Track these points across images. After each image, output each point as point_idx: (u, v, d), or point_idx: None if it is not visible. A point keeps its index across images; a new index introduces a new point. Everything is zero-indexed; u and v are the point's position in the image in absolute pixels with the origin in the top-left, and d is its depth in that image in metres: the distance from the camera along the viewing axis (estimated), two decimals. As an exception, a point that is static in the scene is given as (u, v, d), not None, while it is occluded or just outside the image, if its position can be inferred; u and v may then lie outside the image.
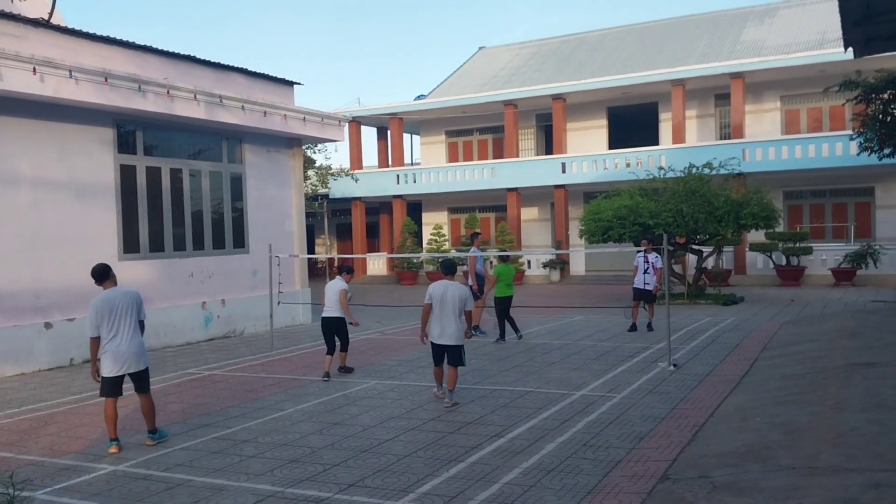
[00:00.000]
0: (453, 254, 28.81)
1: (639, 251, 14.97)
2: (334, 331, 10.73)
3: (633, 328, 14.70)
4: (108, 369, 7.36)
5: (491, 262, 15.80)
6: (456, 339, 8.81)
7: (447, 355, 8.91)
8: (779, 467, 5.68)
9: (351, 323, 10.86)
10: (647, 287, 14.55)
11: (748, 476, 5.59)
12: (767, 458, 5.96)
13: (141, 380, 7.57)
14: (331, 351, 10.80)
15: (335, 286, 10.72)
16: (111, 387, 7.41)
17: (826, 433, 6.37)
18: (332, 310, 10.68)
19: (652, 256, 14.58)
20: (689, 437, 7.13)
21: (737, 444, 6.51)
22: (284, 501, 5.81)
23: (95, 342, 7.34)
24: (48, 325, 12.52)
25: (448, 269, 9.19)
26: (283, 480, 6.30)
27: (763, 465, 5.79)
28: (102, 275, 7.54)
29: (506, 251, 14.74)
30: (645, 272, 14.57)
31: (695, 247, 21.06)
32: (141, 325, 7.55)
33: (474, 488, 5.96)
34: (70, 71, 12.03)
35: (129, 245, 13.99)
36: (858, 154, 19.45)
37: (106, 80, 12.59)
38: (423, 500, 5.75)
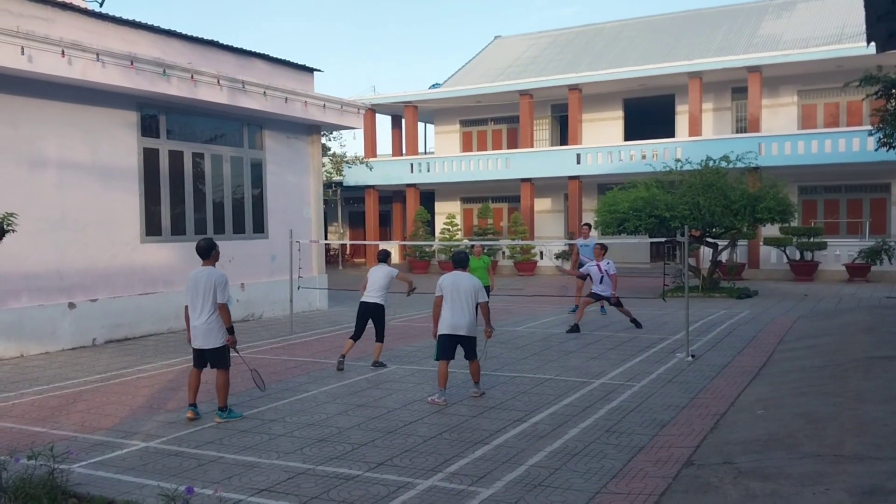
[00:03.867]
0: (466, 243, 28.89)
1: (591, 261, 14.10)
2: (371, 316, 10.39)
3: (576, 329, 13.62)
4: (192, 341, 7.89)
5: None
6: (469, 331, 8.44)
7: (463, 348, 8.53)
8: (803, 455, 5.77)
9: (412, 290, 11.06)
10: (605, 294, 13.81)
11: (773, 463, 5.68)
12: (791, 445, 6.05)
13: (212, 357, 7.86)
14: (356, 337, 10.48)
15: (385, 272, 10.46)
16: (194, 357, 7.97)
17: (849, 423, 6.45)
18: (372, 295, 10.37)
19: (604, 263, 13.77)
20: (711, 425, 7.22)
21: (760, 432, 6.59)
22: (316, 478, 5.94)
23: (185, 311, 7.93)
24: (72, 306, 12.69)
25: (459, 262, 8.74)
26: (313, 458, 6.44)
27: (787, 453, 5.88)
28: (200, 252, 7.97)
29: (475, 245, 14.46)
30: (601, 282, 13.76)
31: (710, 240, 21.08)
32: (222, 307, 7.71)
33: (501, 469, 6.08)
34: (97, 54, 12.16)
35: (151, 228, 14.15)
36: (876, 150, 19.39)
37: (132, 63, 12.71)
38: (451, 479, 5.88)
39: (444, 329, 8.50)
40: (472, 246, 14.34)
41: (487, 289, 12.96)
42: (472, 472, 6.04)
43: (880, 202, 26.87)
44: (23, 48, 11.17)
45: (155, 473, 6.13)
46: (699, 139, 27.07)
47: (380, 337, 10.54)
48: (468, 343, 8.55)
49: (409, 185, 32.90)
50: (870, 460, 5.45)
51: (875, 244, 23.47)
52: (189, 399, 7.95)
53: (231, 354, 8.01)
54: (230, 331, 7.82)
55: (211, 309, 7.70)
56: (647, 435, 6.96)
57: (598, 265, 13.89)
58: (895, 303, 17.25)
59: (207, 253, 7.92)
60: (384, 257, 10.75)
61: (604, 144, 29.30)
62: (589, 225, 16.55)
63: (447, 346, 8.54)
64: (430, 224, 33.56)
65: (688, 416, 7.61)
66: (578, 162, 29.08)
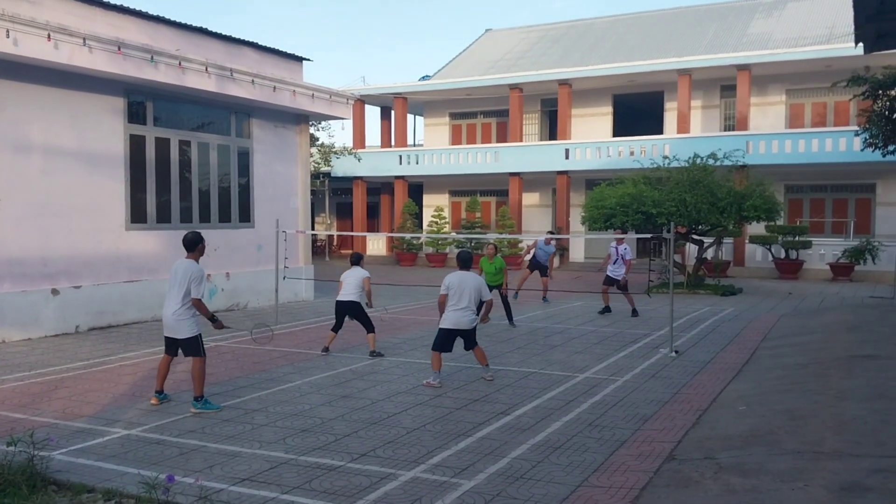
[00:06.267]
0: (453, 236, 28.94)
1: (612, 243, 15.68)
2: (348, 313, 10.70)
3: (607, 310, 15.46)
4: (164, 329, 7.97)
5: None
6: (470, 325, 8.99)
7: (464, 340, 9.04)
8: (783, 451, 5.82)
9: (368, 305, 10.88)
10: (616, 275, 15.18)
11: (753, 458, 5.72)
12: (772, 442, 6.09)
13: (184, 346, 7.85)
14: (336, 329, 10.87)
15: (358, 274, 10.71)
16: (165, 344, 8.00)
17: (829, 420, 6.50)
18: (348, 294, 10.62)
19: (622, 248, 15.19)
20: (692, 420, 7.26)
21: (741, 428, 6.64)
22: (298, 468, 5.93)
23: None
24: (55, 292, 12.59)
25: (464, 262, 9.24)
26: (295, 448, 6.42)
27: (768, 449, 5.92)
28: (186, 244, 7.99)
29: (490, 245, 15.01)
30: (614, 263, 15.21)
31: (695, 237, 21.17)
32: (196, 301, 7.69)
33: (483, 462, 6.09)
34: (84, 39, 12.03)
35: (136, 215, 14.05)
36: (862, 150, 19.52)
37: (119, 49, 12.59)
38: (434, 471, 5.88)
39: (446, 324, 8.95)
40: (486, 246, 14.44)
41: (500, 288, 13.72)
42: (455, 463, 6.05)
43: (865, 202, 27.07)
44: (8, 31, 11.03)
45: (136, 461, 6.10)
46: (687, 136, 27.15)
47: (369, 328, 10.78)
48: (469, 335, 9.05)
49: (397, 177, 32.83)
50: (849, 457, 5.50)
51: (859, 244, 23.73)
52: (157, 385, 8.04)
53: (223, 335, 8.05)
54: (213, 319, 7.89)
55: (182, 301, 7.69)
56: (629, 429, 6.99)
57: (615, 248, 15.25)
58: (878, 302, 17.41)
59: (193, 246, 7.94)
60: (357, 260, 11.06)
61: (592, 140, 29.33)
62: (552, 233, 17.60)
63: (447, 339, 9.00)
64: (418, 216, 33.51)
65: (670, 411, 7.65)
66: (567, 157, 29.10)
